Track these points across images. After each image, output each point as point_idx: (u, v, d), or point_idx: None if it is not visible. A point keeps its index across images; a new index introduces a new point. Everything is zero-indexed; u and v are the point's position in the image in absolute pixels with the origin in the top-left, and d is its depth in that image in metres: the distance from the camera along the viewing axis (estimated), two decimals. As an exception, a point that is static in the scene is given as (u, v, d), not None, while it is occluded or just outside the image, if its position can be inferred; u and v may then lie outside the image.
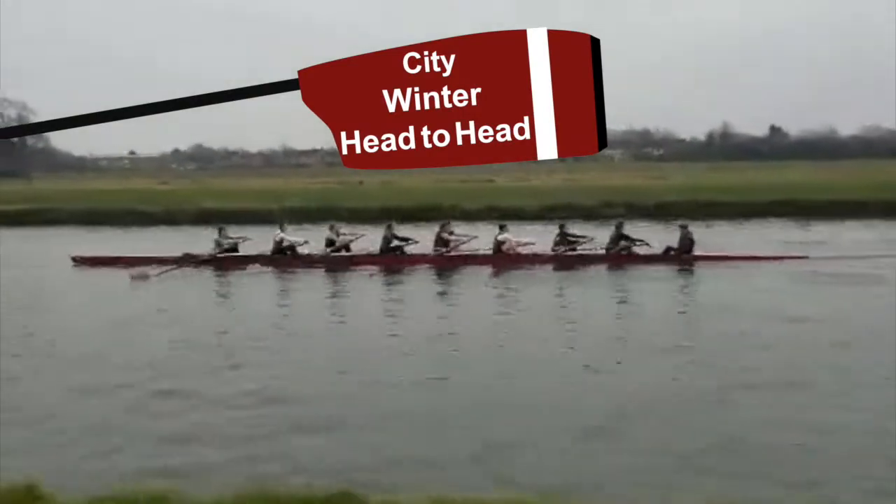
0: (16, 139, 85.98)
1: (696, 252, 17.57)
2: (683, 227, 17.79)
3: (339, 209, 29.92)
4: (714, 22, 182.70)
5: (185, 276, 17.25)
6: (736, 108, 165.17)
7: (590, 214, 28.55)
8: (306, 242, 18.25)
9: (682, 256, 17.27)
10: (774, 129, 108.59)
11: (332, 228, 18.34)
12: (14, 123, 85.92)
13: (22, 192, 41.07)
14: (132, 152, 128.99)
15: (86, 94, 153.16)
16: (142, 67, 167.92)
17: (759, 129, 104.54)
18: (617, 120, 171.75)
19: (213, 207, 29.98)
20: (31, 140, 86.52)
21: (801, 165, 54.67)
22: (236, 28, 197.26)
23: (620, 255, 17.50)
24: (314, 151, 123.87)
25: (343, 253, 18.05)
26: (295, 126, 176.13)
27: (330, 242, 17.96)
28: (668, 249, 17.61)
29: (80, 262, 18.32)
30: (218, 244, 18.00)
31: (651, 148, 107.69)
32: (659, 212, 29.57)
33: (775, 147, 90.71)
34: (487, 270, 17.06)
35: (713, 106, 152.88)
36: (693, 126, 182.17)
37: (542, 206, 30.31)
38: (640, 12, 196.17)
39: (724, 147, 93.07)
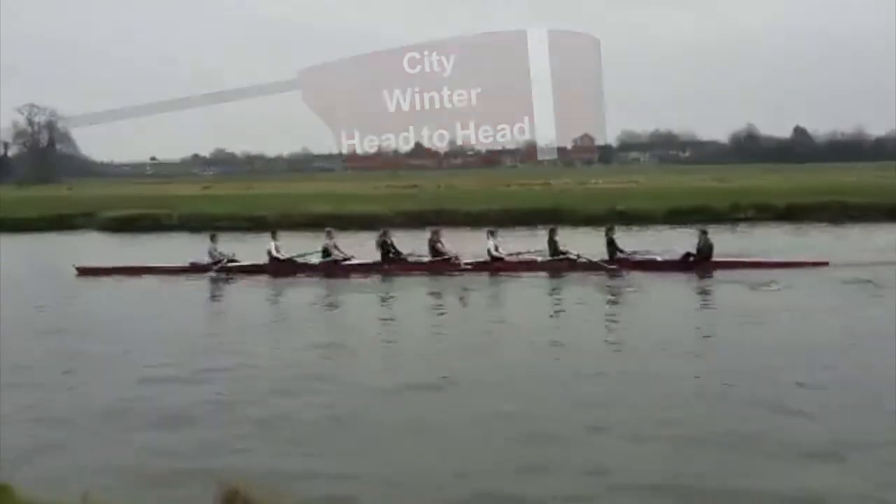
0: (45, 145, 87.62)
1: (716, 258, 17.11)
2: (703, 233, 17.31)
3: (456, 212, 29.40)
4: (734, 24, 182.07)
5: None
6: (758, 110, 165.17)
7: (720, 217, 27.39)
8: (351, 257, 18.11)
9: (702, 263, 16.76)
10: (799, 131, 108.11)
11: (328, 235, 18.13)
12: (45, 130, 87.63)
13: (77, 198, 41.36)
14: (153, 158, 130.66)
15: (109, 100, 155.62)
16: (164, 69, 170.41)
17: (783, 131, 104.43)
18: (639, 122, 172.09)
19: (326, 212, 28.79)
20: (58, 146, 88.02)
21: (841, 169, 54.14)
22: (257, 32, 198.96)
23: (628, 262, 16.95)
24: (337, 156, 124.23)
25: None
26: (313, 129, 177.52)
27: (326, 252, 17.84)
28: (687, 255, 17.09)
29: (83, 272, 17.94)
30: (210, 255, 17.91)
31: (676, 150, 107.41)
32: (790, 214, 28.70)
33: (807, 148, 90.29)
34: (483, 277, 16.77)
35: (734, 108, 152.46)
36: (712, 128, 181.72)
37: (670, 210, 29.25)
38: (659, 13, 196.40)
39: (752, 149, 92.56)
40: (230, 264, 17.65)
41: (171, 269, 17.88)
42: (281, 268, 17.66)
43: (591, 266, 16.87)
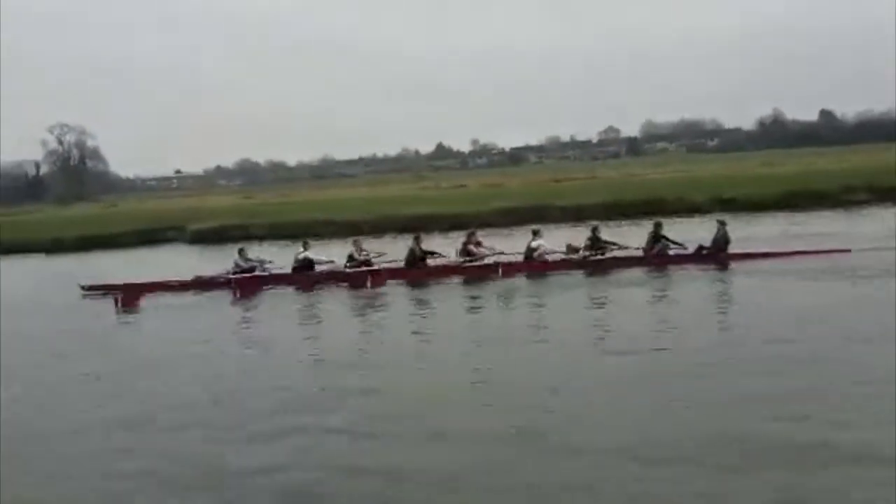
0: (76, 163, 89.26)
1: (733, 250, 16.56)
2: (722, 224, 16.93)
3: (550, 207, 29.06)
4: (755, 9, 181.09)
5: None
6: (781, 94, 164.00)
7: (833, 201, 26.90)
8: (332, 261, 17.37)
9: (717, 255, 16.29)
10: (825, 113, 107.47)
11: (354, 244, 17.58)
12: (74, 148, 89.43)
13: (125, 214, 41.73)
14: (178, 171, 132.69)
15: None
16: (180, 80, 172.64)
17: (808, 114, 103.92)
18: (661, 112, 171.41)
19: (421, 213, 29.15)
20: (89, 163, 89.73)
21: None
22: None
23: (655, 258, 16.48)
24: (357, 161, 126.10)
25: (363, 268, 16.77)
26: (333, 137, 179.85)
27: (350, 258, 17.10)
28: (700, 249, 16.65)
29: (89, 290, 17.34)
30: (237, 265, 17.21)
31: (704, 139, 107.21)
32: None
33: (837, 131, 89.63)
34: (521, 278, 16.00)
35: (757, 93, 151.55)
36: (737, 114, 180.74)
37: (782, 193, 28.31)
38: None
39: (780, 134, 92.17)
40: (262, 270, 17.14)
41: (178, 285, 17.02)
42: (306, 277, 16.88)
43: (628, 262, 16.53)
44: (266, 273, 17.22)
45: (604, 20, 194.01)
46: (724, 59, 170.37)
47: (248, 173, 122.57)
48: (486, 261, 17.02)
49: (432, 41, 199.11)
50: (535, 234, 17.39)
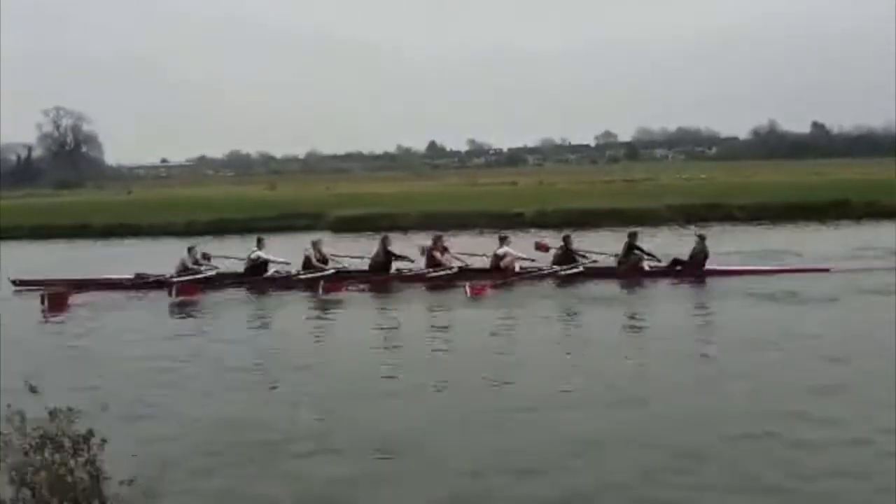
0: (71, 148, 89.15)
1: (710, 266, 15.87)
2: (701, 238, 16.16)
3: (656, 210, 28.61)
4: (746, 16, 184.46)
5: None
6: (772, 105, 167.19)
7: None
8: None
9: (693, 271, 15.64)
10: (817, 126, 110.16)
11: (314, 245, 16.56)
12: (70, 133, 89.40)
13: (147, 202, 40.45)
14: (164, 160, 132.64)
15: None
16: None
17: (800, 126, 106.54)
18: (653, 119, 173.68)
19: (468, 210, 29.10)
20: (84, 149, 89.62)
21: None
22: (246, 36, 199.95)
23: (629, 271, 15.80)
24: (348, 156, 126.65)
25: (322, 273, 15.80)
26: (320, 131, 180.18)
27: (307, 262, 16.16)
28: (675, 262, 15.96)
29: (20, 284, 16.60)
30: (183, 265, 16.23)
31: (703, 147, 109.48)
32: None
33: (833, 143, 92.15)
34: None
35: (750, 103, 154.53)
36: (730, 123, 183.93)
37: (828, 201, 28.70)
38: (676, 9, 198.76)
39: (776, 144, 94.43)
40: (181, 278, 15.81)
41: (117, 283, 16.26)
42: (257, 280, 16.05)
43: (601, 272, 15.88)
44: (213, 274, 16.17)
45: (595, 25, 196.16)
46: (716, 66, 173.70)
47: (237, 164, 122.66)
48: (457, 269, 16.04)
49: (424, 39, 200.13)
50: (503, 240, 16.52)
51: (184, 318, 13.44)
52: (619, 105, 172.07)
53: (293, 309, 14.09)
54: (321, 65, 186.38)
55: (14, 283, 16.74)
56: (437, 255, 16.17)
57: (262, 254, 16.28)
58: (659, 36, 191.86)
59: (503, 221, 26.33)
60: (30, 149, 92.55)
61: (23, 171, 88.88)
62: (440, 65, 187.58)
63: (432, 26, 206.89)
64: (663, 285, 15.19)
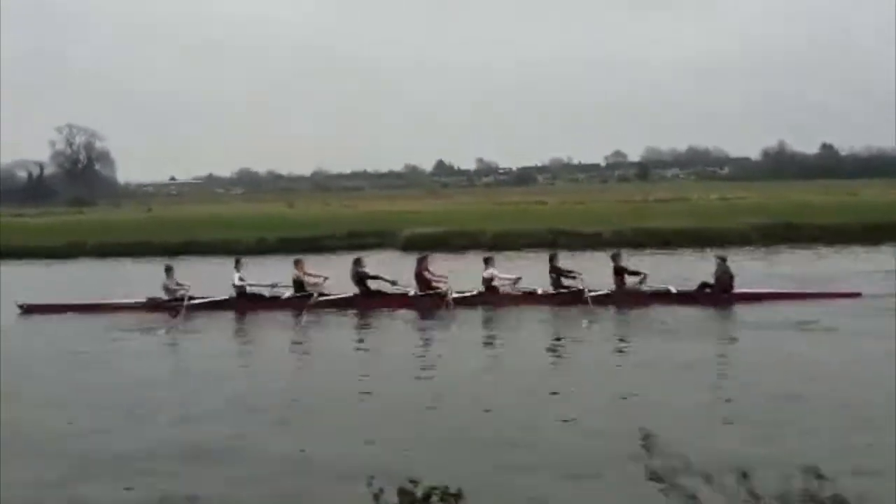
0: (84, 165, 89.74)
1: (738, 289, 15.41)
2: (721, 260, 15.72)
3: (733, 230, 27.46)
4: (756, 38, 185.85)
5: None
6: (783, 125, 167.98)
7: None
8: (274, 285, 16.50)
9: (720, 295, 15.18)
10: (826, 147, 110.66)
11: (297, 265, 16.45)
12: (83, 150, 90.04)
13: (177, 219, 40.53)
14: (173, 178, 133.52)
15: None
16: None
17: (808, 147, 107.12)
18: (661, 139, 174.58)
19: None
20: (97, 167, 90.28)
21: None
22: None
23: (633, 295, 15.31)
24: (354, 175, 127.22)
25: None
26: (328, 150, 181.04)
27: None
28: (703, 286, 15.49)
29: (27, 310, 16.36)
30: (166, 288, 16.18)
31: (714, 167, 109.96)
32: None
33: (841, 164, 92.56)
34: (476, 313, 14.87)
35: (759, 123, 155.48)
36: (737, 144, 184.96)
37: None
38: (685, 24, 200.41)
39: (787, 165, 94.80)
40: (192, 301, 15.72)
41: (127, 307, 16.06)
42: (249, 303, 15.98)
43: (599, 299, 15.14)
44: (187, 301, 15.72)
45: (600, 44, 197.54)
46: (723, 86, 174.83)
47: (247, 182, 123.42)
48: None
49: (425, 57, 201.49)
50: (487, 262, 16.26)
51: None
52: (626, 124, 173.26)
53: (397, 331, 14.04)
54: (324, 82, 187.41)
55: (21, 307, 16.44)
56: (428, 275, 16.09)
57: (240, 275, 16.20)
58: (665, 55, 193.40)
59: (580, 240, 26.23)
60: (41, 166, 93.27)
61: (34, 189, 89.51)
62: (444, 83, 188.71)
63: (434, 44, 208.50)
64: (691, 310, 14.41)
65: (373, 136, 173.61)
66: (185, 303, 15.60)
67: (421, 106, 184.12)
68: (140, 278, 19.09)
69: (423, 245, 26.93)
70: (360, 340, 13.32)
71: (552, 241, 26.79)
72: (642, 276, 15.84)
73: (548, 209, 40.78)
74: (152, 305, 16.00)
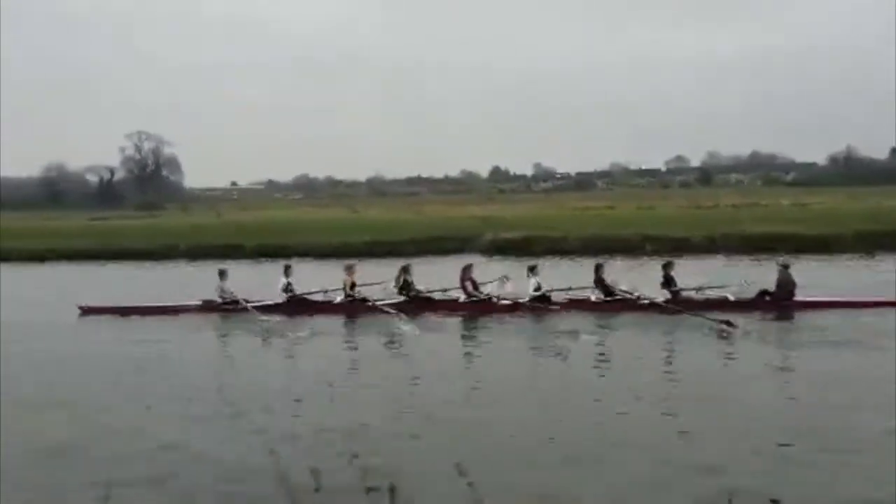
0: (152, 171, 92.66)
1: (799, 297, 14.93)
2: (784, 267, 15.23)
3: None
4: (812, 44, 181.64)
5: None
6: (849, 131, 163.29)
7: None
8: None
9: (780, 302, 14.72)
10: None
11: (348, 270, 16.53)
12: (151, 156, 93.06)
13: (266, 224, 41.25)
14: (234, 183, 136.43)
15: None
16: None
17: (877, 152, 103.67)
18: (730, 143, 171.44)
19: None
20: (164, 172, 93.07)
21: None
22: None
23: (692, 301, 14.93)
24: (406, 180, 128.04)
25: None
26: (383, 156, 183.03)
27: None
28: (763, 293, 15.06)
29: (87, 311, 16.67)
30: (221, 291, 16.44)
31: (779, 172, 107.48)
32: None
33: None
34: (523, 320, 14.67)
35: (824, 128, 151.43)
36: (800, 149, 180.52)
37: None
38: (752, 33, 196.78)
39: (857, 170, 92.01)
40: (249, 304, 15.96)
41: (184, 309, 16.30)
42: (298, 307, 16.11)
43: (649, 306, 14.92)
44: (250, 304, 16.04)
45: (659, 47, 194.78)
46: (788, 89, 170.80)
47: (305, 188, 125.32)
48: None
49: (484, 60, 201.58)
50: (531, 270, 16.15)
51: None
52: (686, 129, 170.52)
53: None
54: (365, 89, 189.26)
55: (81, 309, 16.77)
56: (469, 285, 16.07)
57: (289, 281, 16.43)
58: (728, 56, 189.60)
59: (668, 245, 25.99)
60: (112, 171, 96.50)
61: (105, 193, 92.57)
62: (498, 87, 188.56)
63: (488, 46, 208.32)
64: (750, 318, 13.84)
65: (428, 142, 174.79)
66: (245, 305, 15.81)
67: (474, 110, 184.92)
68: (263, 281, 19.08)
69: (504, 250, 27.71)
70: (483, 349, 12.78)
71: (640, 245, 26.91)
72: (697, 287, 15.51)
73: (619, 214, 40.61)
74: (208, 308, 16.27)
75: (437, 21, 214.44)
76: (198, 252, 30.79)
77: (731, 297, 15.01)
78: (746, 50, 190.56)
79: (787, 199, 49.04)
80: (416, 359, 11.91)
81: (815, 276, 17.57)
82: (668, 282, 15.44)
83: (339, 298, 16.22)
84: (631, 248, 26.51)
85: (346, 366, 11.70)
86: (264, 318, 15.12)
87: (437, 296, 16.18)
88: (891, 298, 14.72)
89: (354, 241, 30.25)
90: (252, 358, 12.60)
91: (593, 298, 15.59)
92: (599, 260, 17.31)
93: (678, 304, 14.82)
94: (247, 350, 13.25)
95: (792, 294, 14.91)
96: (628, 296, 15.43)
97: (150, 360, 11.95)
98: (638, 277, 17.05)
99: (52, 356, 12.52)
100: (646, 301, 15.09)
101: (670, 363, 11.61)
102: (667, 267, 15.75)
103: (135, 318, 15.94)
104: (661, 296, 15.24)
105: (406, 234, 31.62)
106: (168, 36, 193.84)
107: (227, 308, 16.11)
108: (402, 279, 16.30)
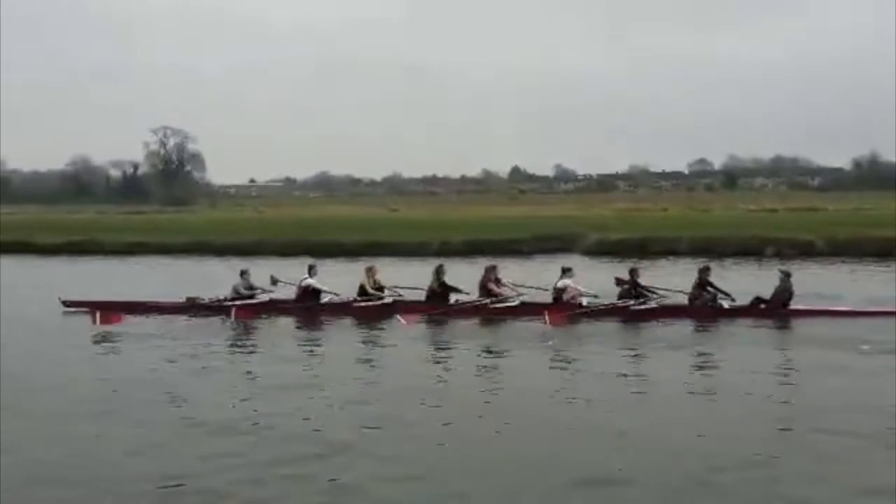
0: (176, 166, 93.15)
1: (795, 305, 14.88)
2: (786, 275, 15.10)
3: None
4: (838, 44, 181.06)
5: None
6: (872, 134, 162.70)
7: None
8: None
9: (775, 311, 14.68)
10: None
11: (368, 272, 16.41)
12: (175, 151, 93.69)
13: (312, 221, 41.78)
14: (252, 180, 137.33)
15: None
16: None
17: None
18: (755, 146, 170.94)
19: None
20: (188, 168, 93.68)
21: None
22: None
23: (704, 309, 14.86)
24: (426, 178, 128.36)
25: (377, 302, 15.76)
26: (404, 154, 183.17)
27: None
28: (758, 301, 15.00)
29: (70, 305, 16.35)
30: (236, 290, 16.23)
31: (805, 176, 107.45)
32: None
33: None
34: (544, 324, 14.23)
35: (848, 132, 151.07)
36: (823, 153, 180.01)
37: None
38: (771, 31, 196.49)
39: (885, 174, 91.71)
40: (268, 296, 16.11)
41: (168, 307, 16.04)
42: (315, 306, 15.95)
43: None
44: (267, 299, 16.21)
45: (679, 50, 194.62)
46: (810, 94, 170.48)
47: (325, 185, 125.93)
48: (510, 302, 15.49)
49: (499, 62, 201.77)
50: (565, 272, 15.88)
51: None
52: (708, 131, 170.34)
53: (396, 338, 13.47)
54: (392, 89, 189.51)
55: (64, 303, 16.45)
56: (493, 286, 15.79)
57: (312, 282, 16.20)
58: (749, 60, 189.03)
59: (792, 249, 26.01)
60: (136, 166, 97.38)
61: (127, 188, 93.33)
62: (518, 87, 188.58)
63: (504, 49, 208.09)
64: (742, 326, 14.00)
65: (446, 141, 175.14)
66: (228, 303, 15.70)
67: (492, 110, 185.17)
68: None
69: (608, 251, 27.70)
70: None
71: (758, 248, 26.87)
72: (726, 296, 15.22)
73: (671, 215, 40.89)
74: (187, 307, 15.99)
75: (459, 22, 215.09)
76: (274, 248, 30.09)
77: (725, 305, 14.94)
78: (769, 54, 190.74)
79: (840, 203, 49.64)
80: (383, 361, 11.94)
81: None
82: (701, 285, 15.20)
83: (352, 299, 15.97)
84: (749, 251, 26.45)
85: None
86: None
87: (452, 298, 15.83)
88: (889, 308, 14.66)
89: (454, 240, 30.09)
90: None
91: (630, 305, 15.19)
92: (705, 262, 17.00)
93: (703, 310, 14.79)
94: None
95: (787, 303, 14.90)
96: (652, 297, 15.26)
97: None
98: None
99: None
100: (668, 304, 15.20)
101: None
102: (703, 272, 15.43)
103: (114, 314, 15.03)
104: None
105: (496, 233, 31.52)
106: (192, 38, 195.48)
107: (210, 307, 15.82)
108: (438, 279, 15.96)
